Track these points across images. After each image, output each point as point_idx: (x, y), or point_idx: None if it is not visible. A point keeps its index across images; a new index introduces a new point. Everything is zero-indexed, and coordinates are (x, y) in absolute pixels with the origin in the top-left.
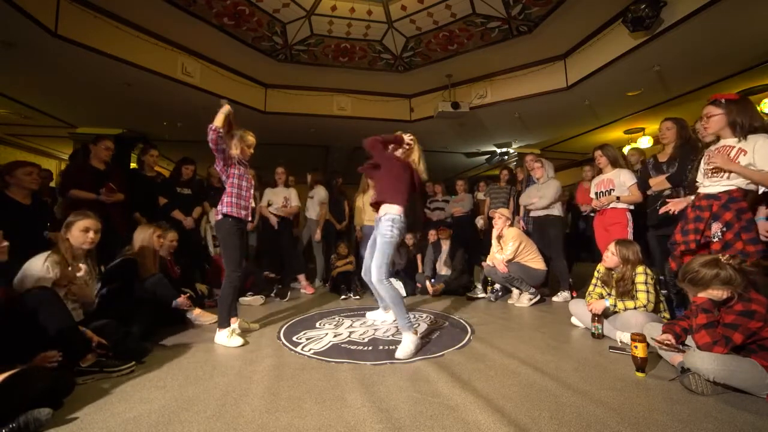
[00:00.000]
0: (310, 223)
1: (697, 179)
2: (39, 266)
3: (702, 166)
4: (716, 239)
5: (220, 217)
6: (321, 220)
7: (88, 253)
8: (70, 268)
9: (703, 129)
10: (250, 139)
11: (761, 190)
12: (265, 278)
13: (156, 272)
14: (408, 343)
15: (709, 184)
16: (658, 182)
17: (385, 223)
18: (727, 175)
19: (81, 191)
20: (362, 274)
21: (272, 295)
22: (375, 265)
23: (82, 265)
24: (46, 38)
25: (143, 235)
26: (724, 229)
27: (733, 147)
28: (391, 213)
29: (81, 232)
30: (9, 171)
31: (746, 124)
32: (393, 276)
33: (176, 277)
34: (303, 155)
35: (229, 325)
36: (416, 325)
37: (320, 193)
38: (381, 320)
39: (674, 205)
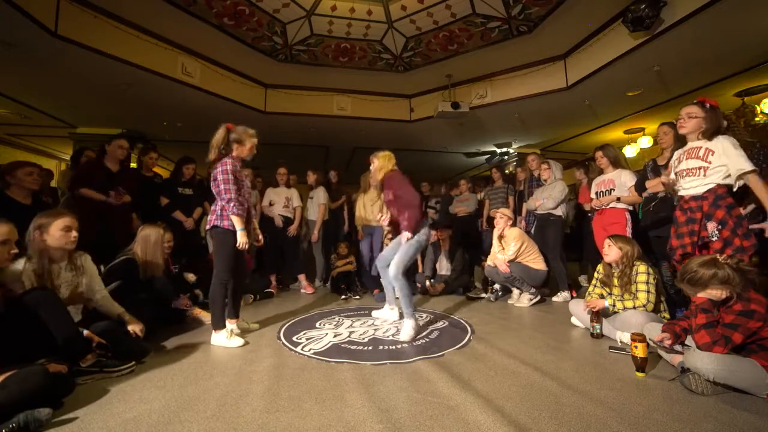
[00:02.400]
0: (310, 224)
1: (664, 180)
2: (16, 276)
3: (672, 167)
4: (715, 238)
5: (216, 223)
6: (319, 222)
7: (71, 253)
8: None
9: (678, 127)
10: (250, 131)
11: (735, 186)
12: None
13: (160, 273)
14: (408, 328)
15: (688, 186)
16: (654, 184)
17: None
18: (702, 172)
19: (91, 191)
20: (377, 260)
21: (258, 297)
22: (395, 263)
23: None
24: (46, 38)
25: (150, 235)
26: (720, 227)
27: (701, 147)
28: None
29: (62, 231)
30: (9, 171)
31: (714, 129)
32: None
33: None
34: (303, 155)
35: (224, 326)
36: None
37: (319, 194)
38: (386, 318)
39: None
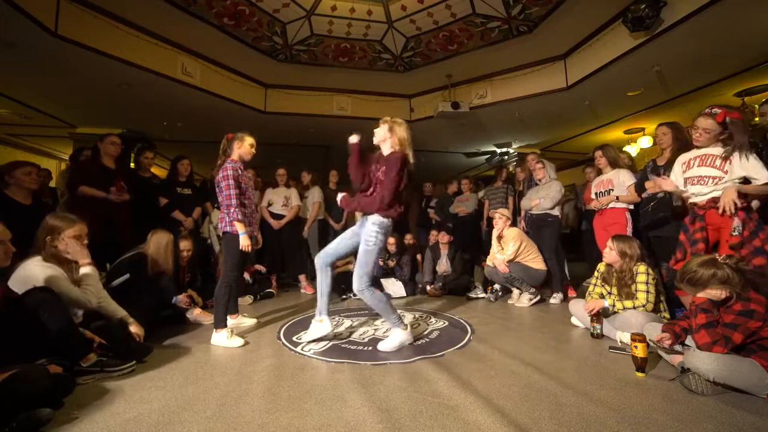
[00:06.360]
0: (306, 223)
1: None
2: (43, 277)
3: (678, 173)
4: (736, 233)
5: (226, 229)
6: (310, 220)
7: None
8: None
9: (693, 139)
10: (249, 138)
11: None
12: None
13: (169, 274)
14: (393, 339)
15: (705, 193)
16: (653, 185)
17: (370, 226)
18: (714, 181)
19: (91, 188)
20: (315, 258)
21: (258, 297)
22: (356, 275)
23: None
24: (46, 38)
25: (161, 240)
26: (742, 225)
27: (718, 156)
28: (379, 216)
29: (73, 239)
30: (8, 171)
31: (740, 143)
32: (393, 276)
33: (184, 284)
34: (303, 155)
35: (225, 325)
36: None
37: (314, 193)
38: (313, 336)
39: (654, 188)
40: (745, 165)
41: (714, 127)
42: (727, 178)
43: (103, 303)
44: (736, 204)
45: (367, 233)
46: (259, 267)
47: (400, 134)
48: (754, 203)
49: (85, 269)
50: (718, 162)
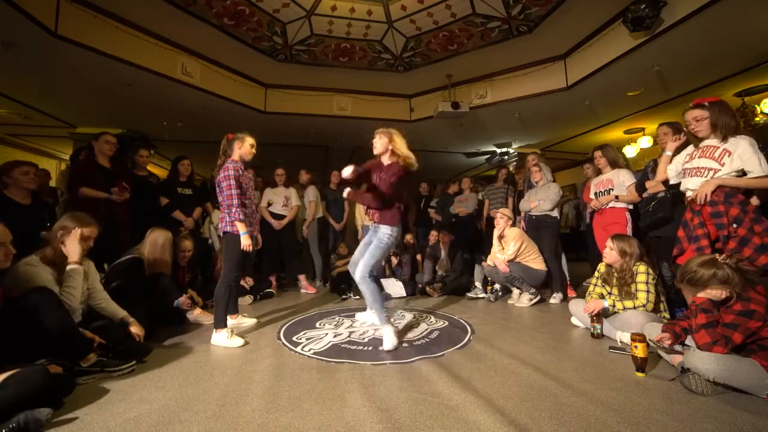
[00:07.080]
0: (305, 224)
1: (669, 176)
2: (25, 272)
3: (680, 162)
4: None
5: (227, 229)
6: (308, 219)
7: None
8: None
9: (694, 133)
10: (250, 139)
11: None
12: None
13: (168, 273)
14: (389, 336)
15: (693, 187)
16: (654, 184)
17: (384, 230)
18: (711, 174)
19: (91, 190)
20: (348, 266)
21: (258, 297)
22: (362, 263)
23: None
24: (46, 38)
25: (158, 239)
26: (735, 225)
27: (717, 147)
28: (392, 224)
29: (81, 240)
30: (6, 171)
31: (727, 125)
32: (392, 277)
33: (184, 284)
34: (303, 155)
35: (226, 325)
36: (393, 319)
37: (309, 193)
38: (366, 320)
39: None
40: (742, 155)
41: (702, 113)
42: (723, 171)
43: (102, 304)
44: (729, 203)
45: (381, 235)
46: (248, 279)
47: (400, 145)
48: (753, 200)
49: (69, 267)
50: (716, 153)
